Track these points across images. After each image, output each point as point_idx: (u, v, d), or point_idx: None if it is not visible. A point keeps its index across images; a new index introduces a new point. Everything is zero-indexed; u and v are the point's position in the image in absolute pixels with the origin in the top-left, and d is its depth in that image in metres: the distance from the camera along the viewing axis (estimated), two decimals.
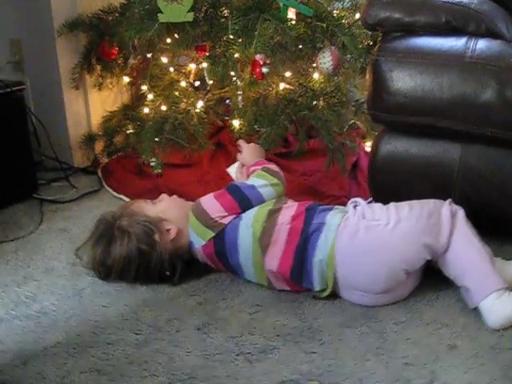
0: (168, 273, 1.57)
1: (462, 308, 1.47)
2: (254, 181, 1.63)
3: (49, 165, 2.39)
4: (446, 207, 1.49)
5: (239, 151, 1.80)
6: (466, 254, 1.46)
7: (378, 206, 1.55)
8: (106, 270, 1.60)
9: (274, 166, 1.69)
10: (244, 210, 1.58)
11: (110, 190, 2.23)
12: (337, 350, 1.35)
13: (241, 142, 1.82)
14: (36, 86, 2.40)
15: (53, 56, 2.30)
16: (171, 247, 1.57)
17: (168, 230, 1.59)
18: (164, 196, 1.71)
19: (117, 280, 1.61)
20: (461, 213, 1.49)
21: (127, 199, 2.10)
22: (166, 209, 1.65)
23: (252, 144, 1.82)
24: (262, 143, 1.88)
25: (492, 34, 1.65)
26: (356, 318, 1.46)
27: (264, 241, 1.52)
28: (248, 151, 1.78)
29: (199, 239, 1.58)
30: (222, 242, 1.55)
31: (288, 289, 1.55)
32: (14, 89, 2.09)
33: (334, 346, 1.36)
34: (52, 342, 1.40)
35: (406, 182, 1.72)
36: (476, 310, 1.43)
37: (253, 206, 1.58)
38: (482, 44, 1.58)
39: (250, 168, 1.71)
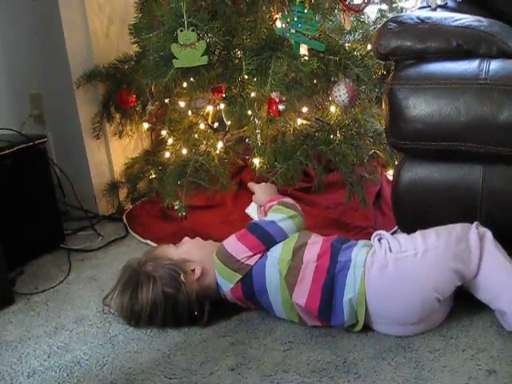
0: (196, 313, 1.57)
1: (498, 331, 1.45)
2: (272, 216, 1.64)
3: (74, 214, 2.42)
4: (473, 231, 1.47)
5: (253, 194, 1.81)
6: (498, 276, 1.44)
7: (402, 236, 1.53)
8: (135, 317, 1.61)
9: (288, 199, 1.70)
10: (268, 247, 1.57)
11: (136, 236, 2.25)
12: (373, 383, 1.33)
13: (251, 185, 1.83)
14: (58, 137, 2.44)
15: (72, 107, 2.35)
16: (197, 287, 1.57)
17: (193, 271, 1.59)
18: (186, 239, 1.72)
19: (147, 325, 1.61)
20: (488, 235, 1.47)
21: (153, 244, 2.11)
22: (189, 250, 1.65)
23: (262, 184, 1.83)
24: (278, 180, 1.89)
25: (504, 53, 1.65)
26: (390, 348, 1.44)
27: (291, 279, 1.51)
28: (260, 191, 1.80)
29: (227, 283, 1.58)
30: (250, 282, 1.55)
31: (319, 324, 1.53)
32: (36, 142, 2.12)
33: (371, 379, 1.34)
34: None
35: (430, 208, 1.71)
36: None
37: (276, 242, 1.58)
38: (494, 65, 1.58)
39: (266, 205, 1.72)
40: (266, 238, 1.58)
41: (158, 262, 1.60)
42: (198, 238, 1.72)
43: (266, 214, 1.71)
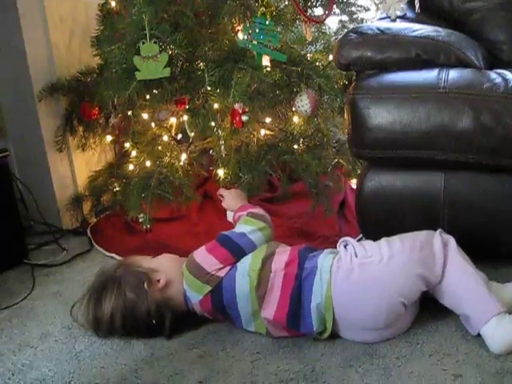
0: (154, 321, 1.55)
1: (463, 336, 1.47)
2: (242, 228, 1.64)
3: (38, 229, 2.38)
4: (436, 237, 1.50)
5: (222, 200, 1.82)
6: (462, 282, 1.46)
7: (368, 243, 1.55)
8: (97, 322, 1.59)
9: (258, 210, 1.71)
10: (238, 259, 1.57)
11: (101, 250, 2.22)
12: None
13: (221, 191, 1.84)
14: (20, 151, 2.41)
15: (35, 120, 2.32)
16: (159, 297, 1.56)
17: (158, 281, 1.59)
18: (165, 254, 1.72)
19: (108, 333, 1.60)
20: (452, 241, 1.50)
21: (118, 257, 2.09)
22: (161, 262, 1.66)
23: (232, 190, 1.85)
24: (243, 190, 1.89)
25: (462, 63, 1.69)
26: (358, 356, 1.45)
27: (261, 290, 1.51)
28: (230, 197, 1.82)
29: (196, 294, 1.57)
30: (220, 294, 1.54)
31: (287, 335, 1.54)
32: None
33: None
34: None
35: (394, 216, 1.73)
36: (477, 337, 1.43)
37: (246, 254, 1.58)
38: (453, 74, 1.61)
39: (235, 215, 1.73)
40: (236, 250, 1.58)
41: (128, 268, 1.61)
42: (175, 256, 1.71)
43: (234, 224, 1.71)
